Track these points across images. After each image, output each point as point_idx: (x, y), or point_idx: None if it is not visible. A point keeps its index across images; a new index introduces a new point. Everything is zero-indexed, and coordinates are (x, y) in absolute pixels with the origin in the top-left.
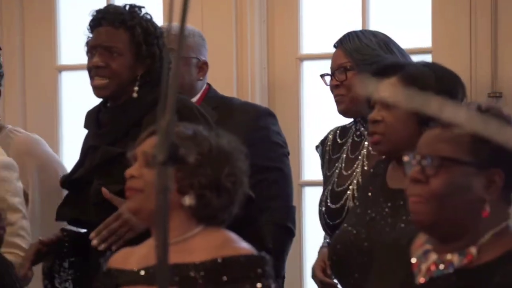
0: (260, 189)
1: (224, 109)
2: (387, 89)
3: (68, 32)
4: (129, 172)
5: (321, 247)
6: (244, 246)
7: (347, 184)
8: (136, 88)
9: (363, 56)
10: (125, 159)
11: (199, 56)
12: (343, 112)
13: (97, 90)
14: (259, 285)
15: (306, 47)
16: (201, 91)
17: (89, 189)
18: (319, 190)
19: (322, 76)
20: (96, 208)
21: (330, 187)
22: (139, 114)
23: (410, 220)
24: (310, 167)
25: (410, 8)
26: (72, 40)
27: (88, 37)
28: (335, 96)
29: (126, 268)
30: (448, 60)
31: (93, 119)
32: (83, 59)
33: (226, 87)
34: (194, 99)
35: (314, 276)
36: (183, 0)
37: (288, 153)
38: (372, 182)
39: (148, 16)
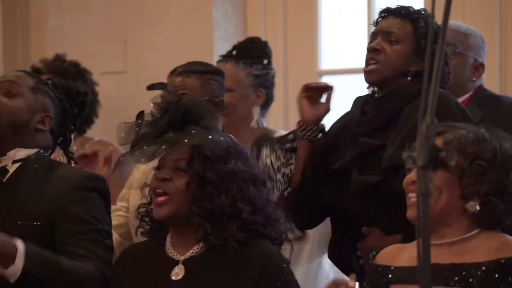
0: None
1: (492, 108)
2: None
3: (329, 38)
4: (410, 178)
5: None
6: None
7: None
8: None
9: None
10: (384, 151)
11: (477, 56)
12: None
13: (367, 74)
14: None
15: None
16: (472, 90)
17: (348, 178)
18: None
19: None
20: (355, 198)
21: None
22: (399, 105)
23: None
24: None
25: None
26: (333, 45)
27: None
28: None
29: (396, 265)
30: None
31: (358, 106)
32: (343, 64)
33: (488, 85)
34: (462, 98)
35: None
36: None
37: None
38: None
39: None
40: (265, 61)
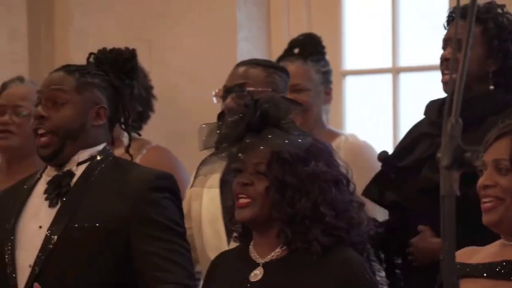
0: None
1: None
2: None
3: (353, 38)
4: (482, 182)
5: None
6: None
7: None
8: (491, 87)
9: None
10: None
11: None
12: None
13: (445, 86)
14: None
15: None
16: None
17: (416, 175)
18: None
19: None
20: (421, 195)
21: None
22: (484, 112)
23: None
24: None
25: None
26: (357, 46)
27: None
28: None
29: (470, 262)
30: None
31: (435, 108)
32: (367, 64)
33: None
34: None
35: None
36: None
37: None
38: None
39: (508, 14)
40: (327, 57)
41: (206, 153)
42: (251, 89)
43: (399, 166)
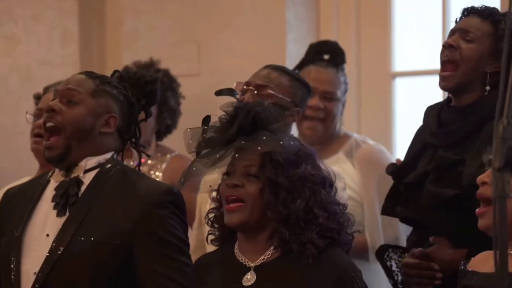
0: None
1: None
2: None
3: (403, 39)
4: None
5: None
6: None
7: None
8: (487, 88)
9: None
10: (461, 165)
11: None
12: None
13: (442, 81)
14: None
15: None
16: None
17: (421, 190)
18: None
19: None
20: (427, 209)
21: None
22: (482, 118)
23: None
24: None
25: None
26: (407, 47)
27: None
28: None
29: (481, 271)
30: None
31: (433, 116)
32: (417, 65)
33: None
34: None
35: None
36: None
37: None
38: None
39: None
40: (345, 67)
41: None
42: (272, 92)
43: (404, 182)
